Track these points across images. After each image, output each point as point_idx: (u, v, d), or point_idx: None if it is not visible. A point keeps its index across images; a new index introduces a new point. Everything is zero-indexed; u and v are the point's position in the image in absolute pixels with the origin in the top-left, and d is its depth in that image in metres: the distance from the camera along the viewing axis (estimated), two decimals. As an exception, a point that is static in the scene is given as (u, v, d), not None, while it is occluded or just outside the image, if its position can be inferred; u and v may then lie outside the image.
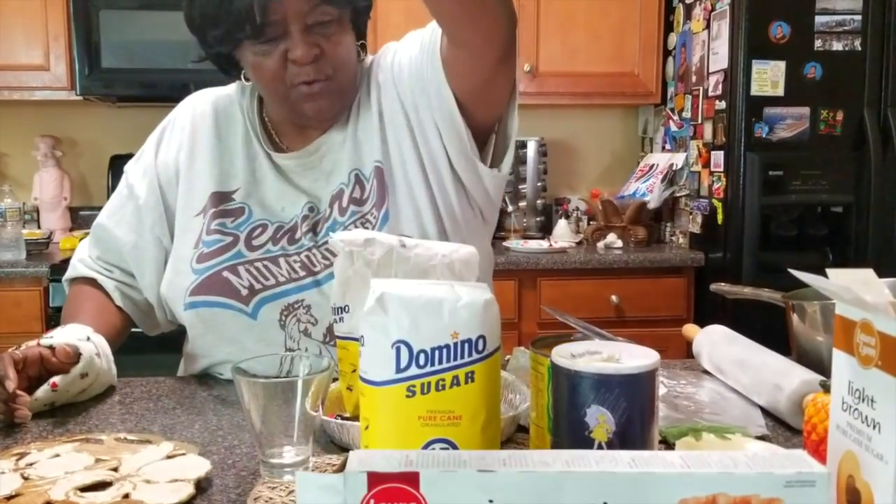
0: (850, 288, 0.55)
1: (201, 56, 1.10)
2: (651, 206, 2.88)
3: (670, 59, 2.96)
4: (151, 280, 1.14)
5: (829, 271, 0.56)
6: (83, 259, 1.19)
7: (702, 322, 1.15)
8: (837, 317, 0.59)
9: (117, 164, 2.89)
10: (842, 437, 0.59)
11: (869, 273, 0.55)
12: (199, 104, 1.18)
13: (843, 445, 0.59)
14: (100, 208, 1.23)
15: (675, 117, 2.92)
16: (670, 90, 2.97)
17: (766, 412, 0.91)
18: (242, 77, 1.11)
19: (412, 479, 0.48)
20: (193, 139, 1.15)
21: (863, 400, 0.56)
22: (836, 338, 0.59)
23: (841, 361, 0.59)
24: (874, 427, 0.55)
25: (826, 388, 0.74)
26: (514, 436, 0.83)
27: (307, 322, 1.04)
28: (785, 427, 0.87)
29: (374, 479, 0.48)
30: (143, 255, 1.14)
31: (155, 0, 2.60)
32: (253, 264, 1.06)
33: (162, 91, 2.65)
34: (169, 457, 0.74)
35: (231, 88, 1.19)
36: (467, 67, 1.01)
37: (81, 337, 0.98)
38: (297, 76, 1.02)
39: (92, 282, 1.17)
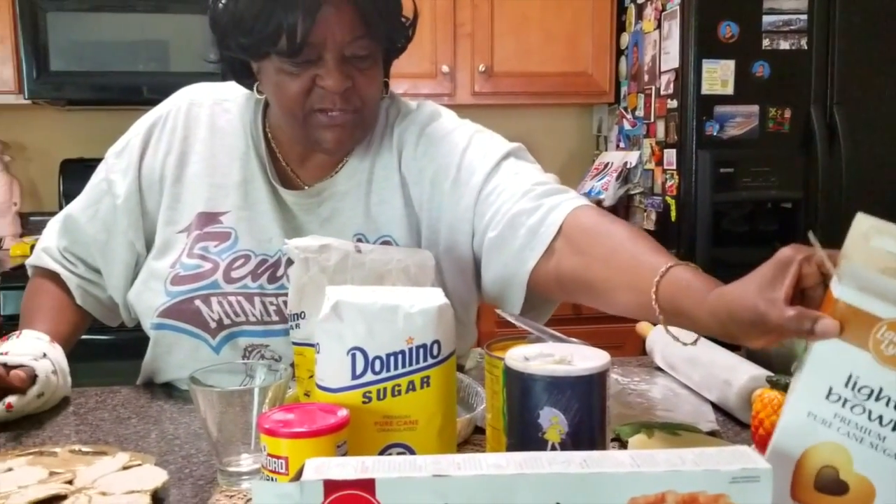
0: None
1: (216, 57, 1.04)
2: (606, 203, 2.91)
3: (623, 58, 3.00)
4: (118, 283, 1.10)
5: None
6: (48, 248, 1.15)
7: (656, 319, 1.17)
8: (848, 306, 0.58)
9: (68, 169, 2.83)
10: (820, 428, 0.59)
11: None
12: (195, 107, 1.10)
13: (823, 436, 0.59)
14: (52, 214, 1.20)
15: (629, 116, 2.96)
16: (623, 89, 3.00)
17: (716, 407, 0.93)
18: (255, 89, 1.04)
19: (368, 485, 0.48)
20: (185, 146, 1.08)
21: (875, 398, 0.57)
22: (842, 327, 0.58)
23: (840, 352, 0.58)
24: (893, 428, 0.56)
25: (773, 384, 0.76)
26: (472, 437, 0.84)
27: (271, 359, 1.02)
28: (735, 422, 0.89)
29: (331, 486, 0.48)
30: (113, 257, 1.10)
31: (104, 2, 2.55)
32: (227, 298, 1.01)
33: (113, 94, 2.59)
34: (125, 468, 0.74)
35: (232, 93, 1.11)
36: None
37: (37, 354, 0.96)
38: (321, 102, 0.97)
39: (54, 276, 1.14)
